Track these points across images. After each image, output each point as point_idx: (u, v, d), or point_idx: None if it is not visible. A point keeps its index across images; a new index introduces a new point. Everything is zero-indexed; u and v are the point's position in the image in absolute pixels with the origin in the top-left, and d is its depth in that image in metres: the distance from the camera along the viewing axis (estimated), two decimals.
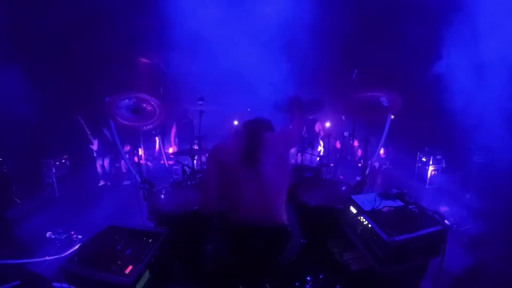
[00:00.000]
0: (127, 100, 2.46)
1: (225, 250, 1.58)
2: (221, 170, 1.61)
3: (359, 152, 5.83)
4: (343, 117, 4.98)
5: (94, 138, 5.14)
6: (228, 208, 1.59)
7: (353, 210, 2.11)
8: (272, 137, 1.73)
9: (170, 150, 5.52)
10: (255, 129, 1.72)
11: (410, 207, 2.01)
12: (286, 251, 1.56)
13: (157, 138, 5.50)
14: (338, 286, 2.08)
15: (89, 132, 5.07)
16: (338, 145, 5.80)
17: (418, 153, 5.50)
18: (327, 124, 5.81)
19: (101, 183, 5.25)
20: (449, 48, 4.72)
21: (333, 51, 5.58)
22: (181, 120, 5.72)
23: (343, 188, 2.76)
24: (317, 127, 5.79)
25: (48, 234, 3.31)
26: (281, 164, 1.65)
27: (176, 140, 5.86)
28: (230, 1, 4.69)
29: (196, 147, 3.43)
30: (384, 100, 2.54)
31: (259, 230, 1.47)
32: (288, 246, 1.56)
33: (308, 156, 4.34)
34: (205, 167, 1.86)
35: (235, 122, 4.40)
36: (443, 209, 4.25)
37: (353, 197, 2.19)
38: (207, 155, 1.75)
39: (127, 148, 5.04)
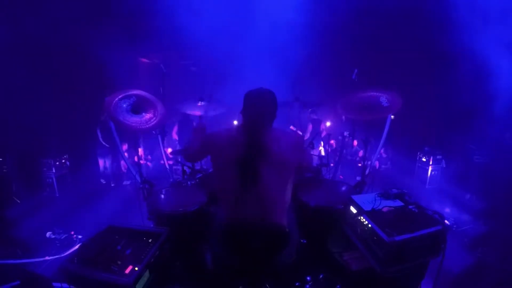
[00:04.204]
0: (126, 99, 2.45)
1: (224, 250, 1.58)
2: (212, 155, 1.61)
3: (360, 153, 5.82)
4: (343, 117, 4.98)
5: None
6: (225, 209, 1.58)
7: (353, 210, 2.11)
8: (278, 136, 1.56)
9: (169, 150, 5.51)
10: (257, 123, 1.55)
11: (410, 207, 2.01)
12: (285, 253, 1.56)
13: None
14: (338, 286, 2.08)
15: (104, 143, 5.07)
16: (335, 145, 5.80)
17: (418, 153, 5.50)
18: (328, 124, 5.81)
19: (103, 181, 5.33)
20: (450, 47, 4.72)
21: (333, 51, 5.58)
22: (181, 119, 5.71)
23: (343, 188, 2.76)
24: (321, 126, 5.79)
25: (48, 234, 3.31)
26: (284, 167, 1.52)
27: (177, 139, 5.86)
28: (230, 2, 4.69)
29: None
30: (384, 100, 2.54)
31: (257, 231, 1.47)
32: (287, 248, 1.56)
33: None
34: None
35: (235, 122, 4.40)
36: (443, 209, 4.25)
37: (353, 197, 2.19)
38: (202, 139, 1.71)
39: (125, 147, 5.02)
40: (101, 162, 5.26)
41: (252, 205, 1.47)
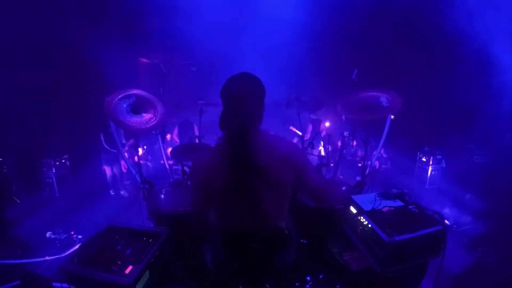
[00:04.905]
0: (126, 99, 2.45)
1: (223, 252, 1.57)
2: (207, 182, 1.39)
3: (359, 152, 5.82)
4: (343, 117, 4.98)
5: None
6: (219, 217, 1.57)
7: (353, 210, 2.11)
8: (270, 145, 1.35)
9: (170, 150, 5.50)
10: (241, 121, 1.28)
11: (410, 207, 2.01)
12: (285, 254, 1.56)
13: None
14: (338, 286, 2.08)
15: (108, 147, 4.83)
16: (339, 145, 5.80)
17: (418, 153, 5.50)
18: (327, 124, 5.81)
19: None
20: (450, 47, 4.72)
21: (333, 51, 5.58)
22: (182, 121, 5.71)
23: (343, 188, 2.76)
24: (321, 126, 5.79)
25: (48, 234, 3.31)
26: (280, 179, 1.36)
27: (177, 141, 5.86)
28: (230, 3, 4.69)
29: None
30: (384, 100, 2.54)
31: (256, 233, 1.46)
32: (287, 249, 1.55)
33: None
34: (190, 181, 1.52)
35: None
36: (443, 209, 4.25)
37: (353, 197, 2.19)
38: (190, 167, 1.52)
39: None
40: (107, 170, 5.00)
41: (249, 216, 1.44)
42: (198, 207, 1.49)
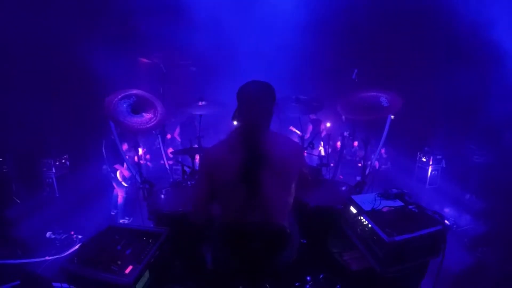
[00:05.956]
0: (126, 99, 2.45)
1: (224, 251, 1.57)
2: (214, 175, 1.47)
3: (358, 152, 5.82)
4: (343, 117, 4.98)
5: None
6: (222, 211, 1.57)
7: (353, 210, 2.11)
8: (279, 142, 1.49)
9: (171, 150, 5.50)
10: (254, 122, 1.44)
11: (410, 207, 2.00)
12: (286, 253, 1.56)
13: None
14: (338, 286, 2.08)
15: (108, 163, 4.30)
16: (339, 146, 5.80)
17: (418, 153, 5.49)
18: (328, 124, 5.81)
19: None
20: (450, 47, 4.72)
21: (333, 50, 5.58)
22: (184, 121, 5.71)
23: (343, 188, 2.76)
24: (321, 126, 5.79)
25: (48, 234, 3.31)
26: (287, 173, 1.47)
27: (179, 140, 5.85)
28: (230, 2, 4.70)
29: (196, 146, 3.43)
30: (384, 100, 2.54)
31: (257, 232, 1.46)
32: (287, 248, 1.55)
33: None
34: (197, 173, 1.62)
35: (235, 122, 4.39)
36: (443, 209, 4.25)
37: (353, 197, 2.18)
38: (199, 159, 1.63)
39: (125, 147, 4.96)
40: (120, 192, 4.28)
41: (254, 209, 1.45)
42: (201, 194, 1.54)
